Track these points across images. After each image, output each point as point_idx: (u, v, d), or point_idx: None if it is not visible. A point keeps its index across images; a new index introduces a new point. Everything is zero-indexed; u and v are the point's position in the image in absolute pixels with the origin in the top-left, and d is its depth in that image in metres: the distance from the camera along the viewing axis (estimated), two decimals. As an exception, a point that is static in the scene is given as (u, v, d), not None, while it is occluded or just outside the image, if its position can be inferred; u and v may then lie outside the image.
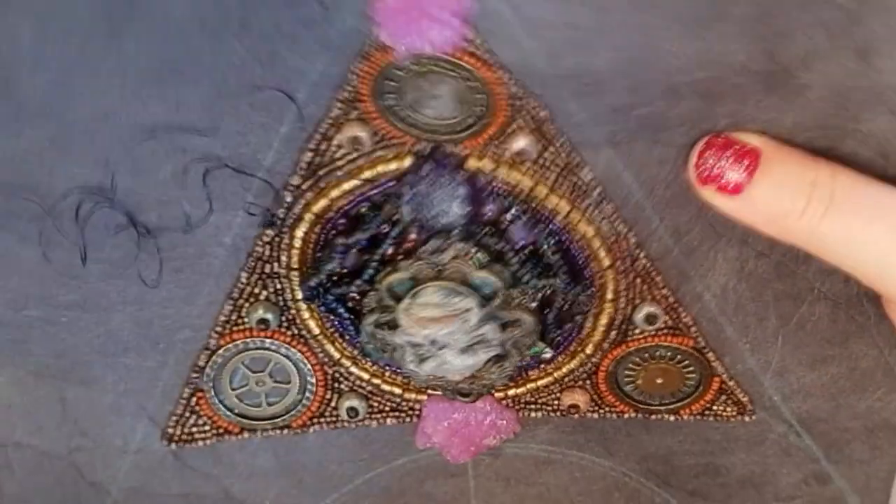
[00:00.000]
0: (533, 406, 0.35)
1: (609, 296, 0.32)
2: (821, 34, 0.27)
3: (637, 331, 0.33)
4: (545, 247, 0.30)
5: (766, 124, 0.28)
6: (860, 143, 0.29)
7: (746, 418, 0.35)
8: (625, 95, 0.28)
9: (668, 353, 0.33)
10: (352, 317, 0.32)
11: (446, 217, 0.29)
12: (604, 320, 0.32)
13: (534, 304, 0.31)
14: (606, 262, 0.31)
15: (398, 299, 0.30)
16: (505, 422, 0.35)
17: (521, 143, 0.28)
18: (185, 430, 0.34)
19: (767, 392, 0.34)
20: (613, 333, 0.33)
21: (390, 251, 0.30)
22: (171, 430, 0.34)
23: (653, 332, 0.33)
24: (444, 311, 0.29)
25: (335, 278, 0.31)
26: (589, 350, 0.33)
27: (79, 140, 0.28)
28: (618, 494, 0.38)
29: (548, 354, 0.33)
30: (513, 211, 0.30)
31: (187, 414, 0.34)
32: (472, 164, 0.29)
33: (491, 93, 0.27)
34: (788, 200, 0.28)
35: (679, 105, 0.28)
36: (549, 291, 0.31)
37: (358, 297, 0.31)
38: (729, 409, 0.35)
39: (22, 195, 0.29)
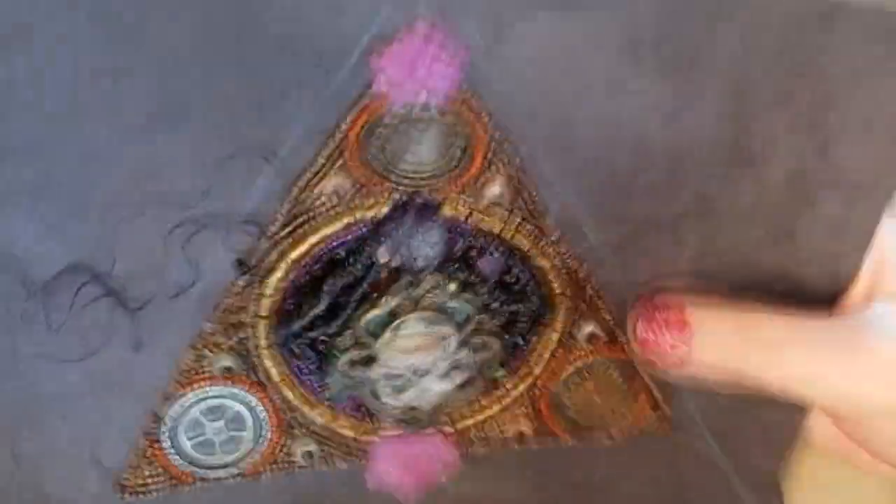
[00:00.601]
0: (479, 441, 0.37)
1: (559, 317, 0.35)
2: (782, 129, 0.32)
3: (579, 346, 0.36)
4: (509, 277, 0.33)
5: (727, 199, 0.33)
6: (813, 222, 0.34)
7: (678, 435, 0.38)
8: (594, 150, 0.31)
9: (604, 367, 0.37)
10: (318, 360, 0.33)
11: (422, 259, 0.32)
12: (552, 340, 0.35)
13: (498, 329, 0.34)
14: (558, 290, 0.34)
15: (375, 336, 0.32)
16: (451, 457, 0.37)
17: (495, 190, 0.31)
18: (140, 482, 0.35)
19: (687, 408, 0.38)
20: (560, 351, 0.36)
21: (364, 293, 0.32)
22: (124, 482, 0.35)
23: (592, 346, 0.36)
24: (428, 339, 0.32)
25: (309, 322, 0.32)
26: (537, 371, 0.36)
27: (61, 186, 0.29)
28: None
29: (505, 378, 0.36)
30: (481, 248, 0.33)
31: (143, 465, 0.35)
32: (448, 210, 0.32)
33: (471, 139, 0.30)
34: (724, 355, 0.33)
35: (648, 169, 0.32)
36: (512, 317, 0.34)
37: (327, 340, 0.33)
38: (659, 425, 0.38)
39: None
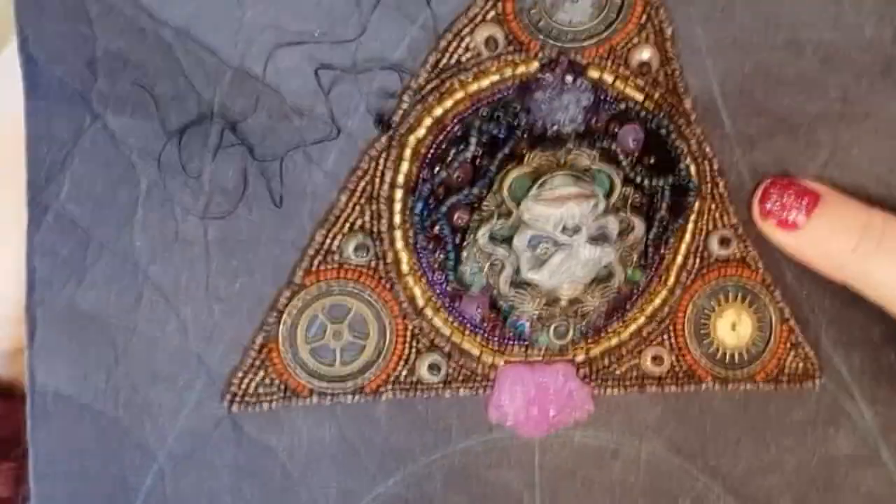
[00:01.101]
0: (611, 379, 0.34)
1: (691, 216, 0.34)
2: None
3: (711, 258, 0.34)
4: (649, 156, 0.33)
5: (872, 109, 0.33)
6: None
7: (814, 381, 0.36)
8: (749, 33, 0.32)
9: (740, 293, 0.35)
10: (454, 239, 0.32)
11: (565, 123, 0.31)
12: (685, 243, 0.34)
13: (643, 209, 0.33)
14: (694, 181, 0.33)
15: (517, 200, 0.31)
16: (582, 395, 0.34)
17: (643, 56, 0.32)
18: (250, 390, 0.32)
19: (826, 348, 0.36)
20: (691, 260, 0.34)
21: (508, 153, 0.31)
22: (234, 388, 0.31)
23: (725, 261, 0.35)
24: (578, 190, 0.30)
25: (444, 189, 0.31)
26: (671, 281, 0.34)
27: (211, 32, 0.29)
28: (683, 493, 0.36)
29: (642, 281, 0.34)
30: (623, 117, 0.32)
31: (255, 369, 0.32)
32: (594, 72, 0.32)
33: (628, 2, 0.31)
34: (841, 239, 0.33)
35: (798, 61, 0.32)
36: (654, 204, 0.33)
37: (465, 216, 0.31)
38: (798, 367, 0.36)
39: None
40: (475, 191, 0.31)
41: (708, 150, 0.33)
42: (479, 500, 0.34)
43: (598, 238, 0.31)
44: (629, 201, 0.32)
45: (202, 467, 0.31)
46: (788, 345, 0.36)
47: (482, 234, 0.31)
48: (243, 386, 0.32)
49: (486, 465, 0.34)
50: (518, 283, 0.32)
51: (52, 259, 0.30)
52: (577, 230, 0.31)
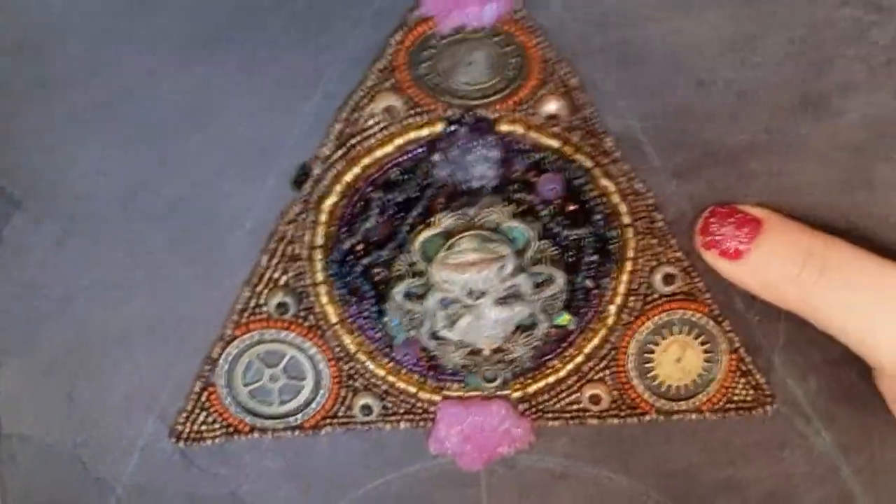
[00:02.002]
0: (550, 413, 0.35)
1: (629, 254, 0.33)
2: (861, 69, 0.30)
3: (655, 295, 0.34)
4: (571, 202, 0.32)
5: (795, 140, 0.31)
6: (892, 170, 0.32)
7: (766, 408, 0.35)
8: (657, 77, 0.30)
9: (685, 326, 0.34)
10: (375, 296, 0.32)
11: (478, 179, 0.31)
12: (623, 283, 0.33)
13: (561, 260, 0.32)
14: (626, 220, 0.32)
15: (429, 260, 0.31)
16: (520, 430, 0.35)
17: (552, 107, 0.30)
18: (195, 428, 0.34)
19: (780, 372, 0.35)
20: (632, 300, 0.34)
21: (420, 214, 0.31)
22: (179, 428, 0.34)
23: (669, 297, 0.34)
24: (482, 255, 0.30)
25: (363, 249, 0.32)
26: (610, 321, 0.34)
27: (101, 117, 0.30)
28: (633, 513, 0.37)
29: (572, 326, 0.34)
30: (540, 167, 0.31)
31: (197, 410, 0.34)
32: (504, 127, 0.31)
33: (525, 57, 0.30)
34: (784, 267, 0.31)
35: (711, 98, 0.31)
36: (576, 248, 0.32)
37: (383, 272, 0.32)
38: (748, 395, 0.35)
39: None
40: (386, 252, 0.31)
41: (640, 186, 0.32)
42: (426, 522, 0.36)
43: (509, 297, 0.31)
44: (547, 254, 0.32)
45: (157, 497, 0.35)
46: (738, 374, 0.35)
47: (398, 293, 0.32)
48: (188, 425, 0.34)
49: (432, 488, 0.36)
50: (438, 336, 0.32)
51: (6, 317, 0.33)
52: (482, 294, 0.30)
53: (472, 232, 0.31)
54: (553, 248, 0.32)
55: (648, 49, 0.30)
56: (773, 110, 0.31)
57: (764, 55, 0.30)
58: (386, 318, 0.33)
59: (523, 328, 0.33)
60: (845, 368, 0.35)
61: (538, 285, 0.32)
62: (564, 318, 0.33)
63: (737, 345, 0.34)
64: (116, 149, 0.30)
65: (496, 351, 0.33)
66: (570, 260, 0.32)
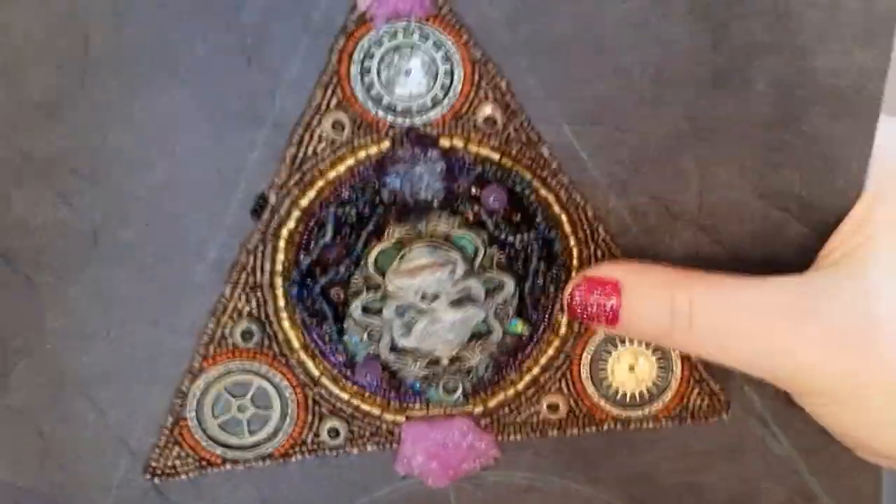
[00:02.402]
0: (512, 426, 0.36)
1: (575, 263, 0.35)
2: (758, 27, 0.32)
3: None
4: (515, 213, 0.34)
5: (717, 123, 0.33)
6: (803, 142, 0.33)
7: (722, 415, 0.36)
8: (579, 67, 0.32)
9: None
10: (335, 315, 0.34)
11: (426, 193, 0.33)
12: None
13: (509, 270, 0.34)
14: (568, 229, 0.34)
15: (384, 272, 0.33)
16: (484, 444, 0.36)
17: (486, 111, 0.33)
18: (168, 463, 0.35)
19: (738, 381, 0.36)
20: None
21: (372, 230, 0.33)
22: (153, 464, 0.35)
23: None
24: (433, 259, 0.32)
25: (320, 270, 0.33)
26: (562, 331, 0.35)
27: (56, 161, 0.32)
28: (600, 522, 0.38)
29: (525, 333, 0.35)
30: (483, 179, 0.33)
31: (170, 445, 0.35)
32: (445, 141, 0.33)
33: (456, 60, 0.32)
34: (655, 324, 0.33)
35: (631, 86, 0.33)
36: (523, 255, 0.34)
37: (341, 292, 0.34)
38: (703, 403, 0.36)
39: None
40: (342, 269, 0.33)
41: (578, 197, 0.34)
42: (397, 542, 0.37)
43: (462, 301, 0.33)
44: (495, 260, 0.34)
45: None
46: (692, 382, 0.36)
47: (355, 308, 0.34)
48: (161, 461, 0.35)
49: (403, 510, 0.37)
50: (397, 349, 0.34)
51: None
52: (436, 297, 0.32)
53: (422, 241, 0.33)
54: (501, 255, 0.34)
55: (566, 39, 0.32)
56: (689, 92, 0.33)
57: (671, 30, 0.32)
58: (346, 338, 0.34)
59: (479, 336, 0.34)
60: None
61: (489, 291, 0.34)
62: (518, 326, 0.35)
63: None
64: (75, 193, 0.32)
65: (454, 360, 0.34)
66: (519, 267, 0.34)
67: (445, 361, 0.34)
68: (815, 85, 0.33)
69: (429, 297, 0.32)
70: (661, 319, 0.32)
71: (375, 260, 0.33)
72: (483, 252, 0.33)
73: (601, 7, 0.32)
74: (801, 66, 0.33)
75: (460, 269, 0.32)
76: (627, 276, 0.33)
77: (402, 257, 0.33)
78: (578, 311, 0.33)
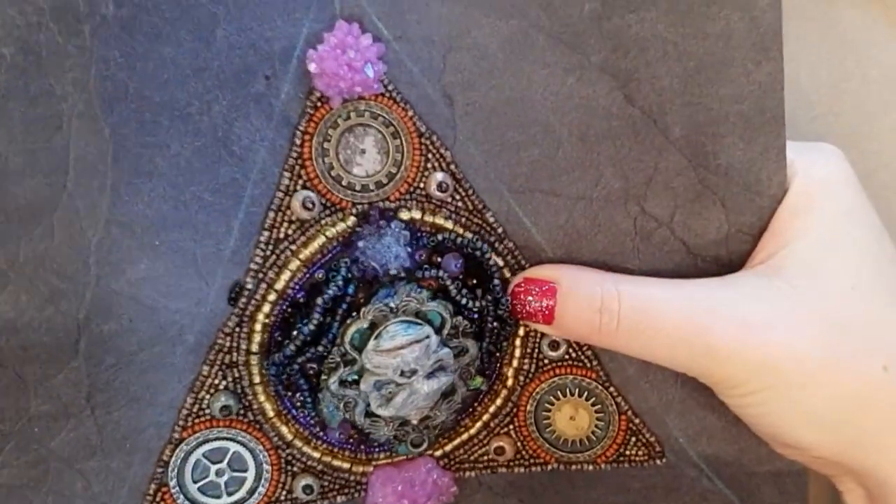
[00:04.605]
0: (466, 464, 0.40)
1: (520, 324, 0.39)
2: (663, 72, 0.35)
3: (545, 360, 0.39)
4: (471, 279, 0.38)
5: (644, 166, 0.36)
6: (722, 177, 0.37)
7: (658, 461, 0.41)
8: (512, 137, 0.36)
9: (579, 388, 0.40)
10: (309, 388, 0.37)
11: (392, 263, 0.36)
12: (517, 348, 0.39)
13: (472, 332, 0.38)
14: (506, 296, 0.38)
15: (360, 349, 0.36)
16: (446, 480, 0.40)
17: (436, 181, 0.36)
18: (150, 530, 0.38)
19: (673, 433, 0.40)
20: (526, 362, 0.39)
21: (346, 310, 0.36)
22: (137, 530, 0.38)
23: (559, 363, 0.39)
24: (410, 337, 0.36)
25: (297, 348, 0.36)
26: (510, 382, 0.39)
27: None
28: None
29: (483, 388, 0.39)
30: (442, 247, 0.37)
31: (152, 512, 0.38)
32: (404, 214, 0.36)
33: (404, 135, 0.36)
34: (586, 323, 0.36)
35: (561, 151, 0.36)
36: (483, 320, 0.38)
37: (316, 366, 0.37)
38: (640, 451, 0.41)
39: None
40: (320, 348, 0.36)
41: (523, 261, 0.38)
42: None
43: (436, 371, 0.37)
44: (460, 328, 0.37)
45: None
46: (628, 432, 0.41)
47: (332, 382, 0.37)
48: None
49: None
50: (371, 415, 0.38)
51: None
52: (413, 372, 0.36)
53: (396, 320, 0.36)
54: (465, 322, 0.37)
55: (499, 108, 0.35)
56: (613, 149, 0.36)
57: (588, 90, 0.35)
58: (321, 406, 0.38)
59: (445, 395, 0.38)
60: (741, 428, 0.39)
61: (456, 356, 0.37)
62: (477, 381, 0.39)
63: (625, 407, 0.40)
64: (58, 293, 0.34)
65: (423, 420, 0.38)
66: (476, 329, 0.38)
67: (415, 421, 0.38)
68: (723, 115, 0.36)
69: (408, 373, 0.36)
70: (591, 317, 0.35)
71: (351, 339, 0.36)
72: (449, 321, 0.37)
73: (528, 74, 0.35)
74: (708, 102, 0.36)
75: (434, 342, 0.36)
76: (563, 277, 0.36)
77: (377, 335, 0.36)
78: (518, 309, 0.37)
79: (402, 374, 0.36)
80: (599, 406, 0.40)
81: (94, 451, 0.37)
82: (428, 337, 0.36)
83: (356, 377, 0.37)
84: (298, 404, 0.38)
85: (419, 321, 0.36)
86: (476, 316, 0.38)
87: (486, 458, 0.41)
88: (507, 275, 0.38)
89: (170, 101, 0.34)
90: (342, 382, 0.37)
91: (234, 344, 0.36)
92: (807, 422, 0.36)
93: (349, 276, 0.36)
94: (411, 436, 0.39)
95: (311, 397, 0.37)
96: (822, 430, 0.36)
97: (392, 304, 0.36)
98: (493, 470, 0.41)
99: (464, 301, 0.37)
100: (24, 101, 0.33)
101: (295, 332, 0.36)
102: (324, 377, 0.37)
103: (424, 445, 0.39)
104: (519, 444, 0.41)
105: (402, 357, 0.35)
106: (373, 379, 0.36)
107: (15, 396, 0.35)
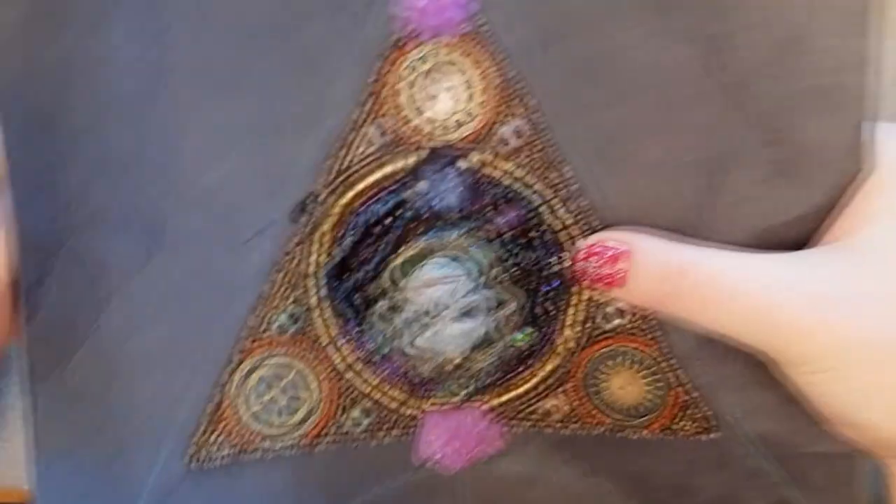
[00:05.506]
0: (517, 419, 0.40)
1: (577, 289, 0.39)
2: (749, 42, 0.36)
3: (606, 326, 0.39)
4: (530, 232, 0.38)
5: (724, 137, 0.36)
6: (801, 153, 0.37)
7: (710, 435, 0.40)
8: (596, 93, 0.36)
9: (634, 358, 0.40)
10: (359, 314, 0.39)
11: (448, 208, 0.38)
12: (572, 314, 0.39)
13: (520, 285, 0.38)
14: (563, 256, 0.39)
15: (403, 279, 0.37)
16: (492, 432, 0.40)
17: (515, 125, 0.37)
18: (206, 449, 0.40)
19: (727, 408, 0.39)
20: (581, 329, 0.39)
21: (395, 240, 0.38)
22: (192, 449, 0.39)
23: (618, 330, 0.39)
24: (442, 274, 0.37)
25: (350, 271, 0.38)
26: (564, 347, 0.39)
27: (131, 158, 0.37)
28: (602, 513, 0.41)
29: (524, 344, 0.39)
30: (501, 199, 0.38)
31: (209, 432, 0.39)
32: (474, 157, 0.37)
33: (486, 79, 0.37)
34: (656, 290, 0.36)
35: (643, 113, 0.36)
36: (533, 272, 0.38)
37: (366, 293, 0.38)
38: (692, 425, 0.40)
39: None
40: (367, 272, 0.38)
41: (595, 222, 0.38)
42: (413, 531, 0.41)
43: (466, 314, 0.38)
44: (505, 279, 0.38)
45: None
46: (682, 405, 0.40)
47: (376, 311, 0.39)
48: (200, 445, 0.39)
49: (413, 500, 0.40)
50: (407, 353, 0.39)
51: (45, 346, 0.38)
52: (443, 310, 0.37)
53: (440, 254, 0.38)
54: (512, 271, 0.38)
55: (591, 62, 0.36)
56: (702, 115, 0.36)
57: (677, 52, 0.36)
58: (373, 332, 0.39)
59: (484, 345, 0.39)
60: (795, 407, 0.38)
61: (497, 305, 0.38)
62: (518, 338, 0.39)
63: (682, 380, 0.39)
64: (139, 190, 0.37)
65: (458, 366, 0.39)
66: (528, 284, 0.39)
67: (451, 367, 0.39)
68: (806, 90, 0.36)
69: (439, 308, 0.37)
70: (661, 286, 0.35)
71: (397, 268, 0.38)
72: (494, 267, 0.38)
73: (616, 34, 0.36)
74: (791, 76, 0.36)
75: (466, 286, 0.38)
76: (636, 242, 0.36)
77: (418, 269, 0.38)
78: (584, 271, 0.37)
79: (435, 307, 0.37)
80: (653, 377, 0.40)
81: (157, 365, 0.39)
82: (462, 276, 0.37)
83: (394, 309, 0.38)
84: (355, 331, 0.39)
85: (459, 260, 0.38)
86: (528, 269, 0.39)
87: (537, 414, 0.41)
88: (574, 234, 0.38)
89: (268, 16, 0.36)
90: (385, 311, 0.38)
91: (295, 264, 0.39)
92: (876, 402, 0.35)
93: (406, 208, 0.38)
94: (450, 380, 0.40)
95: (361, 325, 0.39)
96: (889, 410, 0.35)
97: (440, 242, 0.38)
98: (544, 427, 0.41)
99: (516, 252, 0.38)
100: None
101: (347, 251, 0.38)
102: (371, 305, 0.39)
103: (471, 391, 0.40)
104: (572, 405, 0.41)
105: (432, 291, 0.37)
106: (406, 312, 0.38)
107: (90, 300, 0.38)
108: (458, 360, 0.39)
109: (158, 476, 0.39)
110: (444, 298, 0.37)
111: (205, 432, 0.39)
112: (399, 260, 0.38)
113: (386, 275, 0.38)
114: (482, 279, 0.38)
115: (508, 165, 0.38)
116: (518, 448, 0.41)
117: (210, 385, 0.39)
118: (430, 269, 0.37)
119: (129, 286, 0.38)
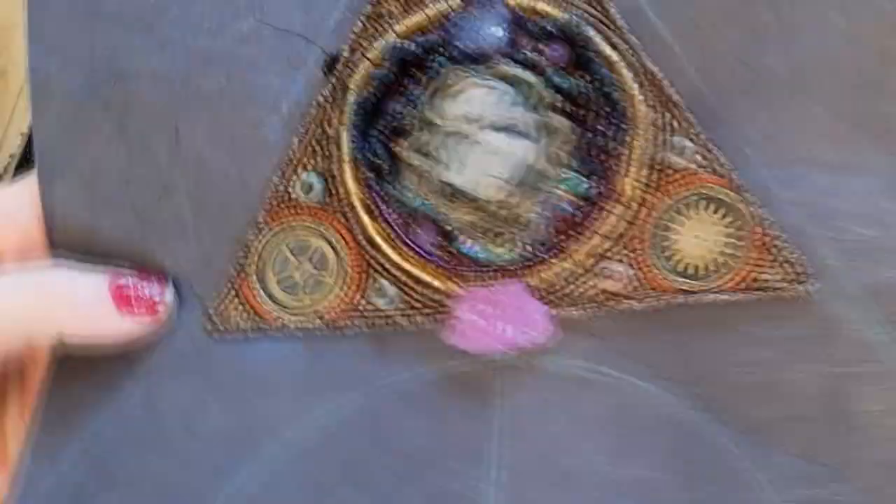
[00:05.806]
0: (567, 297, 0.35)
1: (641, 125, 0.34)
2: None
3: (671, 169, 0.35)
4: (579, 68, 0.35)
5: None
6: None
7: (807, 286, 0.34)
8: None
9: (703, 201, 0.35)
10: (392, 166, 0.35)
11: (489, 41, 0.34)
12: (636, 156, 0.34)
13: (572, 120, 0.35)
14: (635, 91, 0.34)
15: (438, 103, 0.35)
16: (534, 311, 0.35)
17: None
18: (225, 318, 0.37)
19: (819, 249, 0.34)
20: (646, 172, 0.35)
21: (433, 74, 0.35)
22: (212, 316, 0.37)
23: (686, 171, 0.34)
24: (485, 83, 0.34)
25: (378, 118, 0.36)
26: (625, 197, 0.35)
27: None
28: (662, 426, 0.35)
29: (584, 186, 0.35)
30: (546, 37, 0.35)
31: (230, 299, 0.37)
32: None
33: None
34: None
35: None
36: (590, 104, 0.34)
37: (397, 137, 0.35)
38: (778, 271, 0.34)
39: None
40: (399, 107, 0.35)
41: (649, 63, 0.35)
42: (436, 424, 0.36)
43: (507, 129, 0.34)
44: (549, 101, 0.34)
45: (180, 380, 0.37)
46: (766, 250, 0.34)
47: (407, 147, 0.35)
48: (220, 313, 0.37)
49: (443, 391, 0.36)
50: (445, 193, 0.35)
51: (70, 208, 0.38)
52: (479, 118, 0.33)
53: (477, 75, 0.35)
54: (559, 100, 0.34)
55: None
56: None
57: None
58: (401, 185, 0.35)
59: (528, 184, 0.34)
60: None
61: (544, 132, 0.34)
62: (576, 184, 0.35)
63: (763, 218, 0.34)
64: (162, 47, 0.36)
65: (501, 206, 0.35)
66: (580, 117, 0.35)
67: (494, 206, 0.35)
68: None
69: (472, 120, 0.34)
70: None
71: (431, 96, 0.35)
72: (539, 91, 0.34)
73: None
74: None
75: (508, 96, 0.34)
76: None
77: (456, 94, 0.34)
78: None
79: (469, 120, 0.33)
80: (732, 220, 0.35)
81: (184, 229, 0.37)
82: (505, 91, 0.34)
83: (429, 141, 0.35)
84: (386, 196, 0.36)
85: (501, 78, 0.34)
86: (578, 102, 0.35)
87: (592, 291, 0.35)
88: (622, 71, 0.34)
89: None
90: (417, 150, 0.35)
91: (326, 115, 0.36)
92: None
93: (440, 49, 0.35)
94: (495, 229, 0.35)
95: (394, 184, 0.36)
96: None
97: (479, 68, 0.34)
98: (601, 306, 0.35)
99: (564, 83, 0.34)
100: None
101: (380, 89, 0.35)
102: (401, 146, 0.35)
103: (515, 249, 0.35)
104: (633, 272, 0.35)
105: (466, 96, 0.33)
106: (439, 134, 0.34)
107: (115, 156, 0.37)
108: (501, 198, 0.34)
109: (179, 341, 0.37)
110: (479, 106, 0.33)
111: (224, 299, 0.37)
112: (428, 92, 0.35)
113: (417, 112, 0.35)
114: (530, 101, 0.34)
115: (553, 3, 0.35)
116: (569, 344, 0.36)
117: (233, 251, 0.37)
118: (463, 85, 0.34)
119: (149, 146, 0.37)
